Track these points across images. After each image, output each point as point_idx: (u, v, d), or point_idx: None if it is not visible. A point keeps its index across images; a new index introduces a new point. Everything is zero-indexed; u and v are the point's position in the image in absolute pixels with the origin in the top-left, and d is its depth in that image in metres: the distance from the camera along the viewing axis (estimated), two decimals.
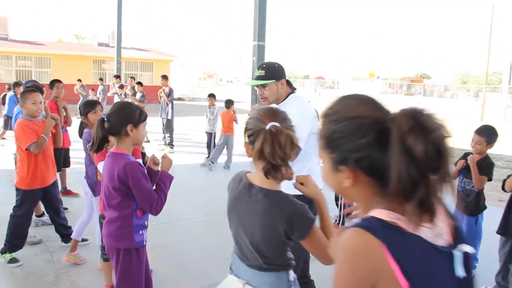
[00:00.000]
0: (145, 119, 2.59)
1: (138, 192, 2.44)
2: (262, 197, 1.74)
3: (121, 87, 12.60)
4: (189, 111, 21.77)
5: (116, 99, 13.19)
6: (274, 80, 3.06)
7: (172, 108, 10.47)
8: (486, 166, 4.02)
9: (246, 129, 1.77)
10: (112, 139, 2.58)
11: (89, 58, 25.25)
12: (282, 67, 3.16)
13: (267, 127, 1.66)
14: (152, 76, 26.28)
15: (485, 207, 4.19)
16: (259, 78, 3.07)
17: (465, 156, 4.27)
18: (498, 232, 3.79)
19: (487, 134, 4.05)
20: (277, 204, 1.72)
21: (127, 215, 2.50)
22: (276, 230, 1.71)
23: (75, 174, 6.75)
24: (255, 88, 3.19)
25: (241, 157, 9.07)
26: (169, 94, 10.36)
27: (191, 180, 7.75)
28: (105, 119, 2.50)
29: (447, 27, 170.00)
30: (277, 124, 1.68)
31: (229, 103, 9.07)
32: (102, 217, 3.42)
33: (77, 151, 8.00)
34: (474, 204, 4.13)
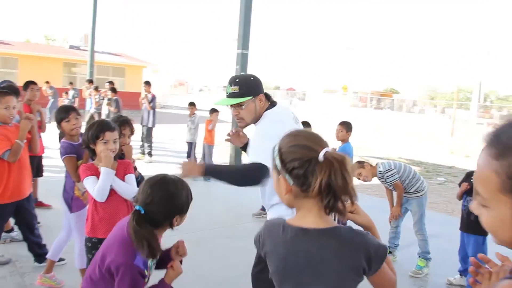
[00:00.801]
0: (191, 200, 2.07)
1: None
2: (326, 239, 1.42)
3: (96, 89, 12.04)
4: (163, 119, 21.25)
5: (88, 103, 12.64)
6: (251, 97, 2.61)
7: (154, 115, 10.05)
8: None
9: (284, 161, 1.43)
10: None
11: (59, 60, 24.46)
12: (259, 80, 2.71)
13: (323, 154, 1.36)
14: (125, 82, 25.63)
15: None
16: (232, 95, 2.61)
17: (468, 176, 4.12)
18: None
19: None
20: (348, 241, 1.41)
21: None
22: (356, 270, 1.40)
23: (48, 184, 6.25)
24: (228, 107, 2.74)
25: None
26: (152, 101, 9.91)
27: None
28: (142, 212, 1.91)
29: (416, 44, 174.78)
30: (329, 150, 1.40)
31: (212, 111, 8.72)
32: (88, 240, 3.00)
33: (50, 159, 7.57)
34: (478, 223, 3.95)
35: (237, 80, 2.64)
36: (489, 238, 4.03)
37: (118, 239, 1.99)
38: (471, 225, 3.98)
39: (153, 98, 10.08)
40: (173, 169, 2.42)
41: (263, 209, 6.45)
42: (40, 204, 5.84)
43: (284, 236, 1.48)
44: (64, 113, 3.58)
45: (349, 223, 1.60)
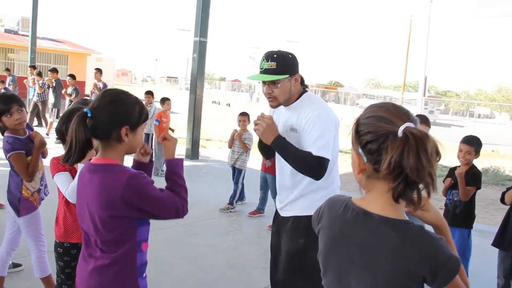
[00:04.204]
0: (146, 119, 1.87)
1: (156, 207, 1.71)
2: (388, 231, 1.21)
3: (39, 74, 11.17)
4: None
5: (32, 92, 11.78)
6: (288, 75, 2.44)
7: None
8: (472, 176, 3.88)
9: (359, 133, 1.24)
10: (95, 143, 1.83)
11: None
12: (296, 59, 2.53)
13: (402, 129, 1.15)
14: (67, 70, 24.31)
15: (474, 217, 4.04)
16: (268, 71, 2.43)
17: (451, 172, 4.08)
18: (493, 245, 3.68)
19: (476, 143, 3.94)
20: (412, 240, 1.18)
21: (128, 253, 1.72)
22: (412, 276, 1.18)
23: None
24: (259, 83, 2.57)
25: None
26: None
27: None
28: (89, 115, 1.70)
29: (361, 37, 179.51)
30: (412, 125, 1.17)
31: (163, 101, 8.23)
32: (59, 245, 2.62)
33: None
34: (463, 216, 3.96)
35: (275, 55, 2.43)
36: (474, 231, 4.03)
37: (100, 175, 1.72)
38: (456, 219, 3.95)
39: (105, 86, 9.50)
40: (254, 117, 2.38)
41: (230, 203, 6.19)
42: None
43: (343, 214, 1.31)
44: (4, 105, 2.94)
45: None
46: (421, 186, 1.17)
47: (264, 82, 2.49)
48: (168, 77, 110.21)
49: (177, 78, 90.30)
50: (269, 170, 5.66)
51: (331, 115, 2.47)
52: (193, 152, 9.87)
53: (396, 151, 1.13)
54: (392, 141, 1.15)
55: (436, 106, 38.22)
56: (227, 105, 33.77)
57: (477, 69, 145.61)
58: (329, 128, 2.41)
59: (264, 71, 2.44)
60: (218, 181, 7.87)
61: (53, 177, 2.57)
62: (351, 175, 1.45)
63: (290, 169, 2.47)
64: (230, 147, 6.37)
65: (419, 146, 1.13)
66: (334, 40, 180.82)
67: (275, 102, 2.52)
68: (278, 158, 2.61)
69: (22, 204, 3.07)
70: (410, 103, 29.78)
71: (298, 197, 2.55)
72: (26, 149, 3.00)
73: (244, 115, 6.31)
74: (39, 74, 11.25)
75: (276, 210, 2.75)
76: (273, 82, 2.44)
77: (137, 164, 2.00)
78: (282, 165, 2.58)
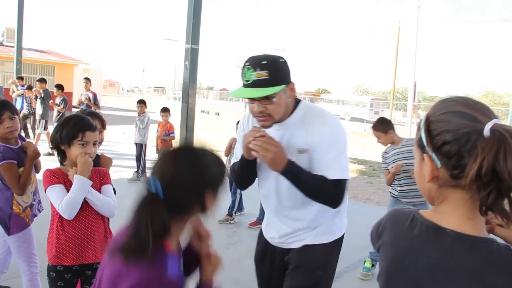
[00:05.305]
0: None
1: None
2: (466, 251, 0.99)
3: (29, 88, 10.87)
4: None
5: (19, 103, 11.46)
6: (283, 85, 1.92)
7: None
8: None
9: (432, 133, 1.01)
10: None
11: None
12: (287, 62, 2.00)
13: (490, 127, 0.94)
14: (54, 81, 23.90)
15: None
16: (259, 84, 1.86)
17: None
18: None
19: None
20: (498, 263, 0.96)
21: None
22: None
23: None
24: (245, 101, 2.11)
25: None
26: (94, 100, 9.02)
27: (121, 200, 6.56)
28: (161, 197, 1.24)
29: (349, 44, 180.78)
30: (499, 121, 0.96)
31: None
32: (52, 269, 2.35)
33: None
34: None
35: (264, 62, 1.88)
36: None
37: None
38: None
39: (95, 96, 9.24)
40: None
41: (229, 214, 5.96)
42: None
43: (409, 229, 1.08)
44: None
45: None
46: None
47: (252, 99, 1.93)
48: (155, 87, 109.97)
49: (164, 88, 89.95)
50: None
51: (341, 124, 2.08)
52: None
53: (490, 153, 0.91)
54: (481, 142, 0.93)
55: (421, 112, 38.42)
56: (216, 114, 33.55)
57: (464, 74, 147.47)
58: (344, 141, 2.06)
59: (253, 84, 1.87)
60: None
61: (45, 191, 2.32)
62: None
63: (300, 196, 2.04)
64: (227, 155, 6.17)
65: None
66: (322, 47, 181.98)
67: (269, 121, 1.98)
68: (268, 180, 2.15)
69: (13, 221, 2.81)
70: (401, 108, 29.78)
71: (314, 226, 2.16)
72: (18, 160, 2.76)
73: None
74: (29, 88, 10.91)
75: (264, 238, 2.33)
76: (267, 97, 1.90)
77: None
78: (281, 190, 2.12)
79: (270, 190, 2.16)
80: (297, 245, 2.18)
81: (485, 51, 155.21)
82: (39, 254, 2.94)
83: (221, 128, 20.27)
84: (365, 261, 4.46)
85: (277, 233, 2.22)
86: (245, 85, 1.91)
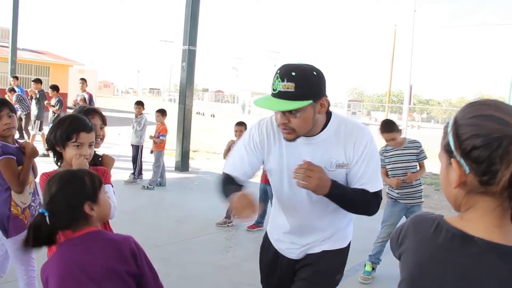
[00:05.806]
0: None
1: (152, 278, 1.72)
2: (496, 260, 0.94)
3: (12, 90, 10.76)
4: None
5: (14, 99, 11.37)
6: (310, 101, 1.81)
7: None
8: None
9: (460, 137, 0.97)
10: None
11: None
12: (323, 76, 1.88)
13: None
14: (49, 82, 23.77)
15: None
16: (284, 95, 1.79)
17: None
18: None
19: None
20: None
21: None
22: None
23: None
24: (271, 111, 1.97)
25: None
26: (90, 101, 8.94)
27: (118, 202, 6.47)
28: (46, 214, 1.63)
29: (345, 47, 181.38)
30: None
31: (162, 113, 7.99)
32: None
33: None
34: None
35: (293, 73, 1.78)
36: None
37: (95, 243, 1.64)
38: None
39: (90, 97, 9.17)
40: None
41: (227, 217, 5.91)
42: None
43: (434, 236, 1.03)
44: None
45: None
46: None
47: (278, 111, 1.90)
48: (150, 88, 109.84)
49: (159, 89, 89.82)
50: (269, 182, 5.40)
51: (372, 135, 2.05)
52: (183, 164, 9.55)
53: None
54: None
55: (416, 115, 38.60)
56: (211, 116, 33.50)
57: (459, 77, 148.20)
58: (378, 151, 2.10)
59: (278, 95, 1.80)
60: (211, 194, 7.56)
61: (43, 195, 2.26)
62: None
63: (319, 210, 2.06)
64: (225, 157, 6.12)
65: None
66: (317, 50, 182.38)
67: (292, 135, 1.91)
68: (296, 196, 2.09)
69: (11, 223, 2.74)
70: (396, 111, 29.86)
71: (334, 233, 2.17)
72: (17, 159, 2.71)
73: (241, 125, 6.08)
74: (12, 90, 10.79)
75: (273, 248, 2.30)
76: (290, 111, 1.84)
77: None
78: (314, 204, 2.07)
79: (296, 204, 2.13)
80: (315, 250, 2.17)
81: (480, 55, 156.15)
82: (36, 257, 2.88)
83: (217, 130, 20.24)
84: (365, 265, 4.42)
85: (299, 243, 2.20)
86: (272, 94, 1.85)
